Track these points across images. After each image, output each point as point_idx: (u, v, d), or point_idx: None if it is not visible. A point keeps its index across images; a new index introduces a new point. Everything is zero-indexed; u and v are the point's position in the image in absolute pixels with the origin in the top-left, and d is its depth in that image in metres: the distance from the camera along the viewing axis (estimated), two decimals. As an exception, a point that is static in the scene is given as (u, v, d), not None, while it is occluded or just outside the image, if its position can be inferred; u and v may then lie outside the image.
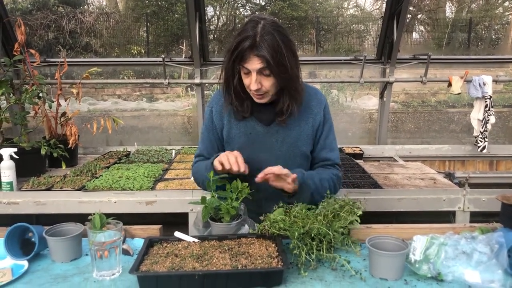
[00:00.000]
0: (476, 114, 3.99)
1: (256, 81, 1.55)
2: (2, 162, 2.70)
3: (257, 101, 1.65)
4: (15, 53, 3.39)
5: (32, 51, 3.57)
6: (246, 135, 1.75)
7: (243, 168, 1.54)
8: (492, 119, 3.92)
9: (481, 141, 3.98)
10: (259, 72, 1.54)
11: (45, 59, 4.28)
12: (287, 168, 1.69)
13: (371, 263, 1.31)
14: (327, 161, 1.79)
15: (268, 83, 1.57)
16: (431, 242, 1.30)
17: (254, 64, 1.53)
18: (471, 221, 2.57)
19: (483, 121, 3.94)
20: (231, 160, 1.54)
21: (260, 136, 1.74)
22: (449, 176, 3.21)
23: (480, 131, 3.97)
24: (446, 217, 2.71)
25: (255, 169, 1.65)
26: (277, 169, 1.53)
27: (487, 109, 3.90)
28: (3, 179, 2.71)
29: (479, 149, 4.00)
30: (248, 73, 1.56)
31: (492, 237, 1.32)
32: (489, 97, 3.89)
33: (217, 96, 1.84)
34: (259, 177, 1.54)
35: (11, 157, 2.72)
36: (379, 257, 1.27)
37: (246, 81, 1.60)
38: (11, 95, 3.28)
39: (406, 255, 1.29)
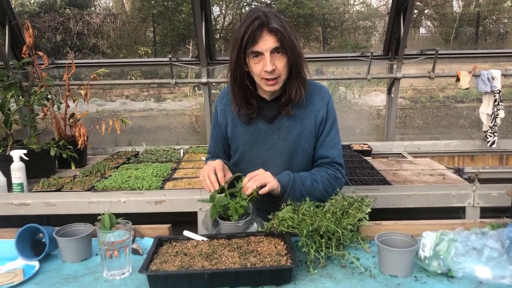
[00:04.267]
0: (485, 109, 3.95)
1: (270, 61, 1.55)
2: (12, 164, 2.72)
3: (268, 88, 1.62)
4: (23, 56, 3.43)
5: (40, 53, 3.60)
6: (249, 132, 1.76)
7: (217, 186, 1.56)
8: (502, 114, 3.88)
9: (490, 136, 3.94)
10: (272, 52, 1.55)
11: (53, 61, 4.31)
12: (290, 164, 1.70)
13: (380, 260, 1.30)
14: (325, 159, 1.75)
15: (281, 63, 1.57)
16: (441, 238, 1.29)
17: (268, 42, 1.53)
18: (481, 217, 2.55)
19: (492, 116, 3.90)
20: (207, 183, 1.58)
21: (262, 133, 1.74)
22: (459, 171, 3.19)
23: (490, 126, 3.94)
24: (456, 213, 2.69)
25: (259, 166, 1.65)
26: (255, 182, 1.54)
27: (496, 103, 3.87)
28: (13, 181, 2.74)
29: (488, 144, 3.96)
30: (259, 58, 1.56)
31: (503, 232, 1.31)
32: (498, 91, 3.85)
33: (222, 94, 1.85)
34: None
35: (21, 159, 2.75)
36: (389, 253, 1.27)
37: (257, 67, 1.58)
38: (20, 97, 3.31)
39: (416, 251, 1.29)
